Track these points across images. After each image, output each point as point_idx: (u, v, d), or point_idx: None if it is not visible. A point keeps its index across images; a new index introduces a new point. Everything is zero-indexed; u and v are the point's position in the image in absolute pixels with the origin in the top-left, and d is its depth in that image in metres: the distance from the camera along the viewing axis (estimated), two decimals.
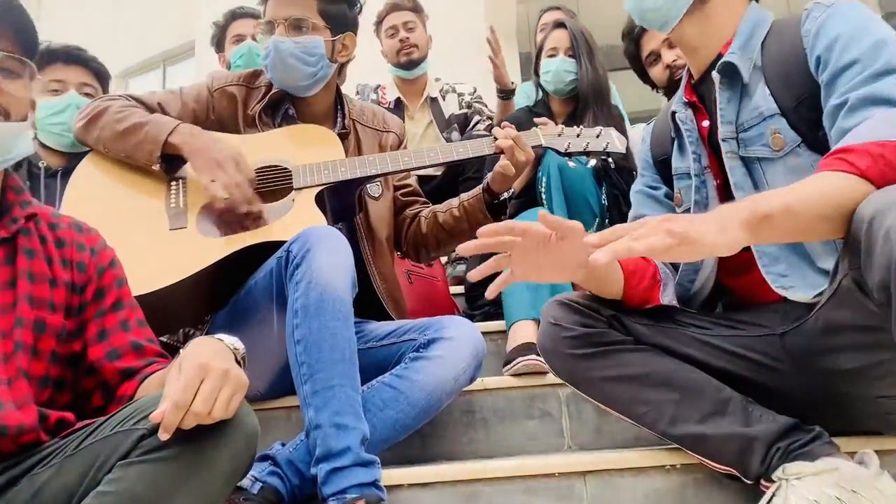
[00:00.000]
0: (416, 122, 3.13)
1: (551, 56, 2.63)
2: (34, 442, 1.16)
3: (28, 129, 1.24)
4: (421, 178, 2.71)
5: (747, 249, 1.33)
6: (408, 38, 3.09)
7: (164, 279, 1.52)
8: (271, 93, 1.83)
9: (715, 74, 1.36)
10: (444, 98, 3.20)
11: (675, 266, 1.45)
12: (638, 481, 1.38)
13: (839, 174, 1.10)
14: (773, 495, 1.20)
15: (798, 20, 1.33)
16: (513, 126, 1.83)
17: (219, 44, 3.03)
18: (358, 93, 3.20)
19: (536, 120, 1.95)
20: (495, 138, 1.78)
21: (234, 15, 3.00)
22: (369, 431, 1.36)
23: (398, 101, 3.16)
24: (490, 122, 3.06)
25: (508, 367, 1.85)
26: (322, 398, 1.32)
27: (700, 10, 1.38)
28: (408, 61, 3.11)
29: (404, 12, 3.13)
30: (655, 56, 2.44)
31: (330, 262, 1.40)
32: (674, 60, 2.38)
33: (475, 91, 3.30)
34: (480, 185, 1.86)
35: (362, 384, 1.46)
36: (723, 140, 1.35)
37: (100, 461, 1.05)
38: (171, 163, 1.69)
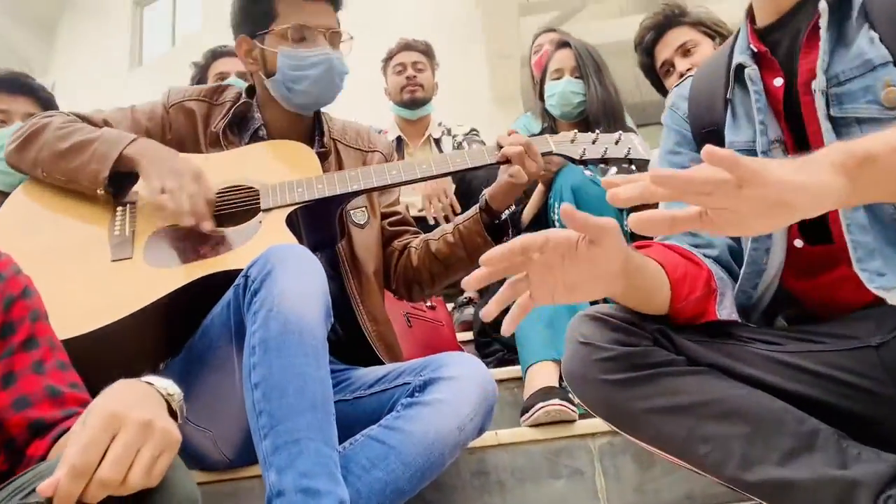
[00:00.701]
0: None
1: (556, 78, 2.44)
2: None
3: None
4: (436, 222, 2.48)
5: (825, 241, 1.05)
6: (415, 76, 3.02)
7: (103, 317, 1.25)
8: (236, 107, 1.60)
9: (822, 5, 1.06)
10: (442, 139, 3.11)
11: (730, 270, 1.16)
12: None
13: None
14: None
15: None
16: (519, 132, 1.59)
17: (199, 83, 2.86)
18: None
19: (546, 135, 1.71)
20: (499, 146, 1.54)
21: (215, 54, 2.87)
22: (352, 499, 1.06)
23: (399, 140, 3.04)
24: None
25: (527, 415, 1.56)
26: (285, 456, 1.03)
27: None
28: (411, 99, 3.01)
29: (416, 53, 3.08)
30: (669, 66, 2.25)
31: (296, 285, 1.13)
32: (688, 69, 2.19)
33: (470, 131, 3.18)
34: (477, 205, 1.61)
35: (349, 440, 1.18)
36: (816, 92, 1.05)
37: None
38: (118, 186, 1.45)
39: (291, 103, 1.60)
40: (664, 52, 2.25)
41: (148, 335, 1.33)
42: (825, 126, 1.04)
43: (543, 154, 1.55)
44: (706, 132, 1.22)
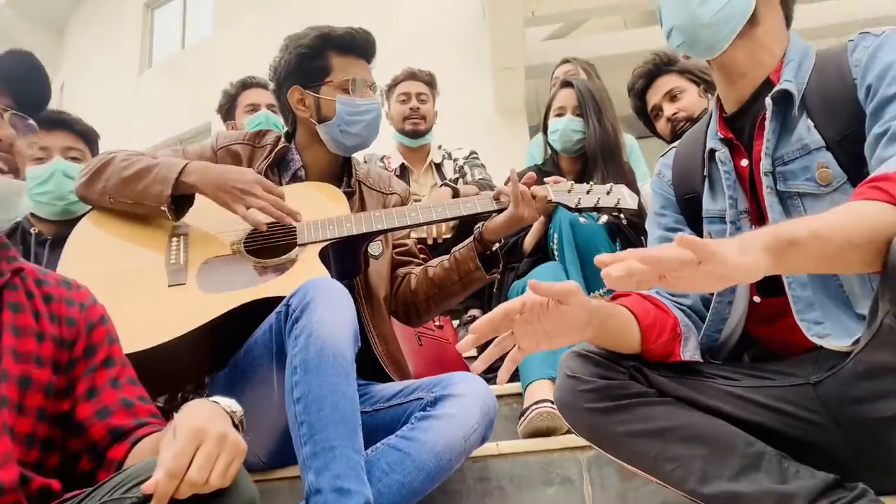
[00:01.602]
0: (420, 186, 3.15)
1: (559, 115, 2.62)
2: None
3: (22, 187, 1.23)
4: (435, 242, 2.68)
5: (777, 294, 1.25)
6: (418, 108, 3.14)
7: (161, 336, 1.45)
8: (276, 150, 1.81)
9: (768, 101, 1.28)
10: (443, 164, 3.26)
11: (699, 315, 1.36)
12: None
13: (873, 202, 1.04)
14: None
15: (843, 50, 1.27)
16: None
17: (228, 112, 3.05)
18: (365, 161, 3.21)
19: (546, 180, 1.91)
20: (498, 196, 1.76)
21: (245, 84, 3.05)
22: (374, 498, 1.27)
23: (403, 167, 3.18)
24: (479, 182, 3.08)
25: (523, 418, 1.76)
26: (322, 460, 1.23)
27: (750, 32, 1.30)
28: (413, 130, 3.15)
29: (420, 83, 3.19)
30: (658, 110, 2.46)
31: (331, 315, 1.33)
32: (674, 114, 2.42)
33: (469, 154, 3.32)
34: (472, 236, 1.81)
35: (368, 448, 1.38)
36: (763, 174, 1.27)
37: None
38: (179, 204, 1.66)
39: (341, 145, 1.81)
40: (654, 97, 2.46)
41: (198, 351, 1.53)
42: (770, 200, 1.25)
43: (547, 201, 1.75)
44: (687, 199, 1.44)
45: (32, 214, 2.11)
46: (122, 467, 1.17)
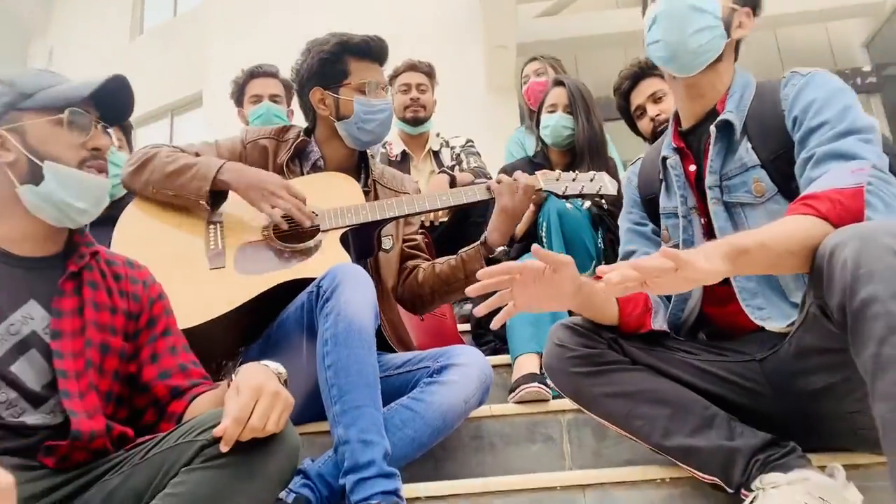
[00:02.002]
0: (419, 172, 3.35)
1: (551, 112, 2.82)
2: (102, 449, 1.31)
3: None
4: (431, 224, 2.90)
5: (728, 283, 1.51)
6: (418, 98, 3.31)
7: (207, 314, 1.68)
8: (296, 143, 2.03)
9: (713, 129, 1.53)
10: (441, 151, 3.46)
11: (667, 296, 1.62)
12: (632, 493, 1.53)
13: (805, 217, 1.28)
14: (753, 502, 1.36)
15: (777, 85, 1.52)
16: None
17: (238, 100, 3.23)
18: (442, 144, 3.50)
19: (537, 173, 2.14)
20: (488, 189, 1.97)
21: (252, 74, 3.20)
22: (390, 448, 1.51)
23: (404, 154, 3.37)
24: (474, 170, 3.30)
25: (513, 394, 2.00)
26: (350, 417, 1.47)
27: (715, 65, 1.55)
28: (413, 118, 3.32)
29: (420, 74, 3.36)
30: (642, 110, 2.67)
31: (356, 297, 1.57)
32: (657, 115, 2.62)
33: (466, 143, 3.53)
34: (479, 240, 2.01)
35: (383, 408, 1.62)
36: (708, 188, 1.53)
37: (165, 468, 1.21)
38: (215, 198, 1.88)
39: (357, 140, 2.02)
40: (637, 98, 2.68)
41: (235, 326, 1.76)
42: (715, 209, 1.52)
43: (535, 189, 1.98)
44: (649, 199, 1.71)
45: None
46: (181, 419, 1.41)
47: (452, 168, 3.29)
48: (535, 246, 1.36)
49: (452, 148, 3.46)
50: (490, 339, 2.57)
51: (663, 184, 1.66)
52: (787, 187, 1.45)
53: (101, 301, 1.42)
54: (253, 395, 1.20)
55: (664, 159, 1.64)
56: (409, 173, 3.19)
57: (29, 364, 1.31)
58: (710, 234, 1.55)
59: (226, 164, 1.87)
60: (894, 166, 1.44)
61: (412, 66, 3.38)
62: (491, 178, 3.20)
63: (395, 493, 1.43)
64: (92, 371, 1.35)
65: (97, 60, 13.36)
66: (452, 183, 3.01)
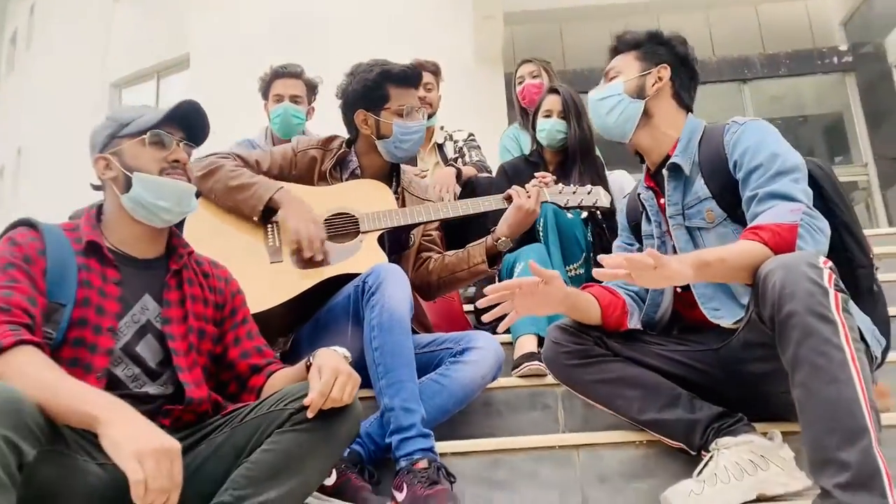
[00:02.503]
0: (424, 163, 3.69)
1: (546, 116, 3.17)
2: (204, 413, 1.68)
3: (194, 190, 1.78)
4: None
5: (689, 289, 1.90)
6: (425, 96, 3.59)
7: (271, 302, 2.05)
8: (339, 153, 2.38)
9: (665, 171, 1.92)
10: (445, 145, 3.79)
11: (641, 299, 2.00)
12: (616, 452, 1.95)
13: (752, 243, 1.67)
14: (709, 460, 1.76)
15: (722, 130, 1.90)
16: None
17: (265, 94, 3.53)
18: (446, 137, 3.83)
19: (536, 175, 2.50)
20: (508, 197, 2.34)
21: (277, 73, 3.49)
22: (425, 414, 1.90)
23: None
24: (476, 164, 3.65)
25: (517, 369, 2.39)
26: (394, 389, 1.86)
27: (648, 123, 1.94)
28: None
29: (427, 73, 3.62)
30: None
31: (397, 292, 1.94)
32: None
33: (468, 137, 3.86)
34: (486, 237, 2.36)
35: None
36: (670, 217, 1.92)
37: (262, 429, 1.56)
38: (265, 213, 2.23)
39: (394, 156, 2.37)
40: None
41: (291, 310, 2.13)
42: (677, 233, 1.92)
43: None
44: (634, 225, 2.10)
45: None
46: (261, 391, 1.77)
47: (455, 160, 3.64)
48: (532, 263, 1.75)
49: (456, 142, 3.78)
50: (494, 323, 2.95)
51: (643, 214, 2.04)
52: (734, 214, 1.84)
53: (196, 294, 1.78)
54: (333, 374, 1.55)
55: (639, 195, 2.03)
56: (416, 165, 3.53)
57: (147, 346, 1.67)
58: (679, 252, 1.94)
59: (279, 191, 2.21)
60: (828, 188, 1.84)
61: (420, 66, 3.68)
62: (490, 171, 3.57)
63: (431, 449, 1.83)
64: (194, 351, 1.72)
65: (79, 19, 13.38)
66: (458, 175, 3.38)
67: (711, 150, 1.89)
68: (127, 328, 1.65)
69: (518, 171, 3.14)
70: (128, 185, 1.69)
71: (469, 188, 3.37)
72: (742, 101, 12.83)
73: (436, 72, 3.75)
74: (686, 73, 1.98)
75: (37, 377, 1.38)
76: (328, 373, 1.55)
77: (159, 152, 1.71)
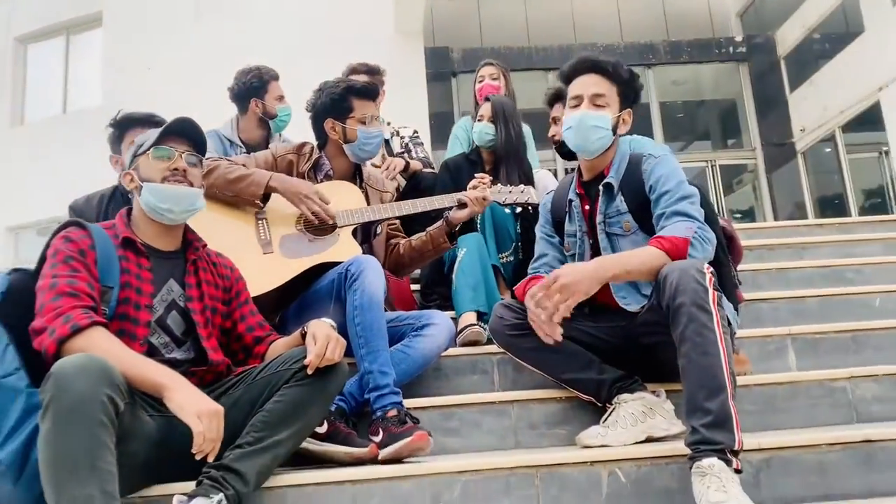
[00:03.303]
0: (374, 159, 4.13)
1: (479, 120, 3.67)
2: (220, 373, 2.12)
3: (202, 193, 2.19)
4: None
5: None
6: None
7: (266, 287, 2.49)
8: (314, 158, 2.81)
9: (601, 187, 2.45)
10: (391, 139, 4.24)
11: None
12: (542, 406, 2.51)
13: (656, 250, 2.22)
14: (612, 411, 2.33)
15: (640, 160, 2.44)
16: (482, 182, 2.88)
17: (255, 92, 3.88)
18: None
19: (476, 175, 3.00)
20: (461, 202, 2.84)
21: (275, 76, 3.89)
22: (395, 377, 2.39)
23: None
24: (422, 159, 4.14)
25: (461, 335, 2.91)
26: (372, 356, 2.34)
27: (606, 151, 2.46)
28: None
29: (372, 76, 4.08)
30: (554, 120, 3.62)
31: (374, 279, 2.41)
32: (552, 135, 3.57)
33: (413, 133, 4.33)
34: (442, 219, 2.88)
35: None
36: (599, 223, 2.46)
37: (271, 384, 2.02)
38: (263, 199, 2.66)
39: (358, 157, 2.84)
40: (555, 111, 3.58)
41: (281, 293, 2.57)
42: (601, 237, 2.45)
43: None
44: (557, 221, 2.62)
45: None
46: (264, 357, 2.22)
47: (401, 155, 4.10)
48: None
49: (402, 138, 4.25)
50: (435, 297, 3.46)
51: (568, 214, 2.58)
52: (644, 226, 2.40)
53: (209, 279, 2.21)
54: (325, 340, 2.01)
55: (570, 201, 2.56)
56: None
57: (173, 319, 2.10)
58: (595, 250, 2.49)
59: (273, 174, 2.64)
60: (710, 215, 2.42)
61: (368, 70, 4.12)
62: (433, 167, 4.05)
63: (400, 404, 2.32)
64: (210, 325, 2.16)
65: None
66: (406, 166, 3.86)
67: (632, 175, 2.44)
68: (159, 305, 2.09)
69: (459, 168, 3.63)
70: (140, 193, 2.11)
71: (414, 181, 3.84)
72: (647, 85, 13.67)
73: (369, 72, 4.14)
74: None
75: (112, 352, 1.81)
76: (322, 338, 2.02)
77: (161, 163, 2.13)
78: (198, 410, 1.75)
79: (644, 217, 2.40)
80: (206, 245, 2.26)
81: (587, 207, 2.53)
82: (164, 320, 2.08)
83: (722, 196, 13.62)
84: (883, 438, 2.13)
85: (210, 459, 1.78)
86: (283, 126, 3.90)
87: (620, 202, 2.44)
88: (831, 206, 12.99)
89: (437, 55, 12.85)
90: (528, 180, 3.53)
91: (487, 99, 3.73)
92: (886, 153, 11.46)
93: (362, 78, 4.01)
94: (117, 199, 2.97)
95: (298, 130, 3.77)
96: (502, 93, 4.03)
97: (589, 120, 2.41)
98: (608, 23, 14.25)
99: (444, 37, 13.34)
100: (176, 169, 2.13)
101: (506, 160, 3.59)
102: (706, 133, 15.40)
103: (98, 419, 1.59)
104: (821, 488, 2.08)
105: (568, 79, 2.50)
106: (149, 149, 2.13)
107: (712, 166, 13.64)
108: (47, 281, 1.88)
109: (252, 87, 3.87)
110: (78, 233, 2.02)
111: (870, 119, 11.61)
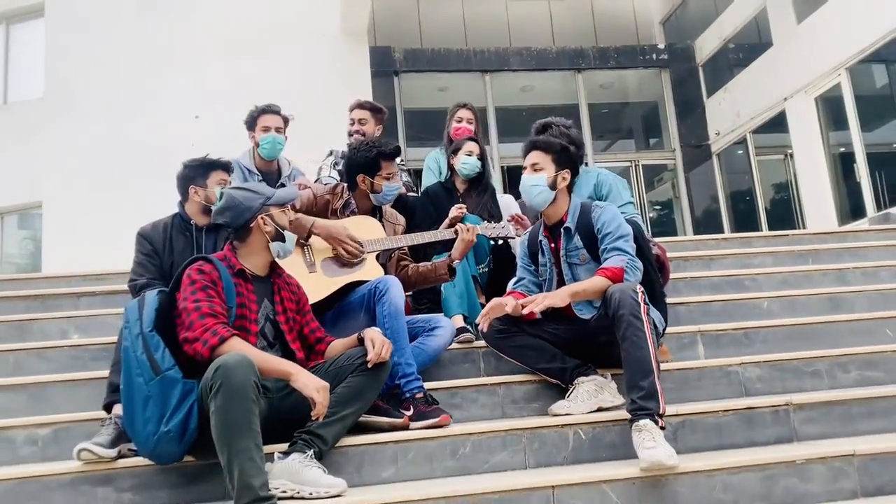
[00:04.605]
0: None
1: (468, 155, 4.46)
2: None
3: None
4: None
5: None
6: (360, 129, 4.89)
7: (313, 298, 3.26)
8: (344, 198, 3.61)
9: (562, 231, 3.33)
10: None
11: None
12: (522, 386, 3.39)
13: (602, 277, 3.12)
14: (573, 390, 3.22)
15: (590, 208, 3.34)
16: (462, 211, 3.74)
17: (251, 126, 4.55)
18: (331, 153, 5.01)
19: (454, 207, 3.84)
20: (455, 230, 3.67)
21: (263, 110, 4.49)
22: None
23: None
24: (405, 184, 4.91)
25: (458, 337, 3.74)
26: (400, 352, 3.14)
27: (553, 202, 3.34)
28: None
29: (364, 111, 4.92)
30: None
31: (398, 294, 3.23)
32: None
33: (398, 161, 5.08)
34: (448, 253, 3.70)
35: None
36: (563, 257, 3.34)
37: (340, 375, 2.84)
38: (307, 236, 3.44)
39: (378, 202, 3.64)
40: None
41: (322, 303, 3.36)
42: (564, 267, 3.35)
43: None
44: (532, 254, 3.51)
45: (187, 212, 3.71)
46: (324, 355, 3.02)
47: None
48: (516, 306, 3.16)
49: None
50: (425, 301, 4.28)
51: (540, 250, 3.46)
52: (595, 258, 3.29)
53: (288, 297, 3.00)
54: (381, 344, 2.85)
55: (539, 241, 3.44)
56: None
57: (267, 328, 2.89)
58: (559, 276, 3.38)
59: (315, 221, 3.42)
60: (640, 241, 3.33)
61: (359, 105, 4.91)
62: (416, 190, 4.87)
63: (422, 387, 3.16)
64: (293, 331, 2.95)
65: None
66: None
67: (585, 220, 3.33)
68: (261, 318, 2.86)
69: (437, 196, 4.46)
70: (279, 237, 2.89)
71: (400, 203, 4.63)
72: (576, 88, 14.65)
73: (372, 109, 4.95)
74: (575, 173, 3.40)
75: (250, 352, 2.58)
76: (378, 342, 2.84)
77: (286, 215, 2.94)
78: (316, 386, 2.57)
79: (594, 250, 3.29)
80: (283, 272, 3.03)
81: (552, 245, 3.40)
82: (263, 329, 2.86)
83: (644, 192, 14.74)
84: (760, 405, 3.10)
85: (321, 420, 2.59)
86: (266, 152, 4.52)
87: (577, 240, 3.33)
88: (742, 201, 14.23)
89: (380, 54, 13.48)
90: (494, 202, 4.42)
91: (473, 140, 4.55)
92: (790, 155, 12.58)
93: (365, 111, 4.82)
94: (177, 226, 3.66)
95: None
96: (474, 132, 4.84)
97: (528, 181, 3.34)
98: (541, 28, 15.09)
99: (386, 37, 13.95)
100: (290, 222, 2.97)
101: (481, 186, 4.45)
102: (630, 133, 16.49)
103: (251, 397, 2.39)
104: (717, 441, 3.03)
105: (524, 157, 3.41)
106: (283, 204, 2.94)
107: (636, 166, 14.76)
108: (191, 304, 2.64)
109: (248, 125, 4.53)
110: (208, 266, 2.78)
111: (777, 124, 12.76)
